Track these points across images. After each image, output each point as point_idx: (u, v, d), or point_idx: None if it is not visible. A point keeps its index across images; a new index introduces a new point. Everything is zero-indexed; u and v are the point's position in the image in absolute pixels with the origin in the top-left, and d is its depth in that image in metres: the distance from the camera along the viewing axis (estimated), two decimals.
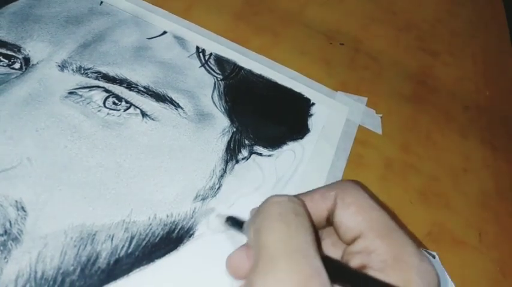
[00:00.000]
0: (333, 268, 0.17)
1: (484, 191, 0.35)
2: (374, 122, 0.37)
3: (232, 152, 0.31)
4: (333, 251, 0.21)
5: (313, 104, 0.36)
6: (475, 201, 0.34)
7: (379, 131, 0.36)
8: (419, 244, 0.30)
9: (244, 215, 0.27)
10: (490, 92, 0.44)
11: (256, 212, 0.19)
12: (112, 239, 0.24)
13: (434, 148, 0.37)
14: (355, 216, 0.19)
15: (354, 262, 0.19)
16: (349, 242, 0.20)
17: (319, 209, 0.21)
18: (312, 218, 0.20)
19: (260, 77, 0.37)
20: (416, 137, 0.37)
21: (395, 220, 0.19)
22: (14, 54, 0.32)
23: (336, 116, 0.36)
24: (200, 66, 0.36)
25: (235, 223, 0.24)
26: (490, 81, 0.45)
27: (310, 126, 0.35)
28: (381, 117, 0.37)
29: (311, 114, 0.35)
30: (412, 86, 0.42)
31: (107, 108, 0.30)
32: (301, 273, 0.16)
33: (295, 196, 0.20)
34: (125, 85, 0.32)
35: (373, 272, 0.17)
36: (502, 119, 0.41)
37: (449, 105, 0.41)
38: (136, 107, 0.31)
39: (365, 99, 0.39)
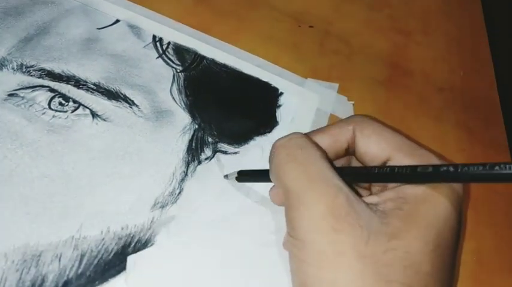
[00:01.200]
0: (351, 174, 0.21)
1: None
2: (346, 110, 0.35)
3: (194, 152, 0.28)
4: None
5: (281, 93, 0.34)
6: None
7: None
8: None
9: (206, 221, 0.26)
10: (464, 71, 0.43)
11: (269, 160, 0.22)
12: (60, 259, 0.22)
13: (409, 134, 0.35)
14: (378, 143, 0.21)
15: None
16: None
17: (338, 141, 0.22)
18: (326, 150, 0.22)
19: (224, 66, 0.34)
20: (389, 124, 0.35)
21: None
22: None
23: (306, 106, 0.34)
24: (157, 57, 0.33)
25: (248, 175, 0.26)
26: (464, 60, 0.44)
27: (278, 119, 0.32)
28: (353, 104, 0.36)
29: (279, 105, 0.33)
30: (385, 69, 0.40)
31: (53, 110, 0.27)
32: (325, 197, 0.18)
33: (308, 133, 0.22)
34: (72, 83, 0.29)
35: (409, 185, 0.19)
36: (476, 100, 0.40)
37: (423, 87, 0.40)
38: (86, 107, 0.28)
39: (336, 85, 0.37)
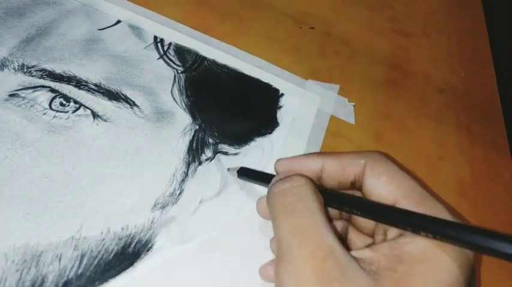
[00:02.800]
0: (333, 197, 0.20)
1: (460, 179, 0.33)
2: (346, 112, 0.35)
3: (194, 153, 0.28)
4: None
5: (282, 95, 0.34)
6: (451, 190, 0.33)
7: (352, 120, 0.35)
8: None
9: (206, 222, 0.26)
10: (465, 73, 0.43)
11: (266, 201, 0.21)
12: (60, 260, 0.22)
13: (409, 135, 0.35)
14: (387, 185, 0.20)
15: (392, 231, 0.19)
16: None
17: (346, 172, 0.21)
18: (332, 176, 0.21)
19: (224, 67, 0.34)
20: (390, 125, 0.36)
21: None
22: None
23: (307, 107, 0.34)
24: (158, 58, 0.33)
25: (249, 174, 0.26)
26: (465, 61, 0.44)
27: (279, 120, 0.32)
28: (354, 105, 0.36)
29: (280, 107, 0.33)
30: (386, 70, 0.40)
31: (53, 110, 0.27)
32: (315, 257, 0.17)
33: (318, 154, 0.22)
34: (73, 83, 0.29)
35: (409, 239, 0.18)
36: (477, 101, 0.40)
37: (423, 89, 0.40)
38: (87, 108, 0.28)
39: (337, 86, 0.37)
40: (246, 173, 0.26)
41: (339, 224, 0.24)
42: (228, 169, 0.28)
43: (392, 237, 0.19)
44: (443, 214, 0.18)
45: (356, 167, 0.21)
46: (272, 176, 0.23)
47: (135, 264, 0.23)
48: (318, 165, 0.22)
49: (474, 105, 0.40)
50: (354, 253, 0.18)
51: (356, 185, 0.21)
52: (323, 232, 0.18)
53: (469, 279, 0.17)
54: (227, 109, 0.32)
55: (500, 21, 0.50)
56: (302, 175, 0.21)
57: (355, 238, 0.23)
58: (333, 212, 0.24)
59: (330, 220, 0.20)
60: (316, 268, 0.17)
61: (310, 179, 0.21)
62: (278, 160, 0.24)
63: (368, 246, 0.19)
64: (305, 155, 0.24)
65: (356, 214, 0.20)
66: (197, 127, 0.30)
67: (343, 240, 0.23)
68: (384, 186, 0.20)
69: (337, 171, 0.21)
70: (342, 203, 0.21)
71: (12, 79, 0.28)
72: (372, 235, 0.21)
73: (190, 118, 0.30)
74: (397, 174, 0.20)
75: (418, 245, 0.17)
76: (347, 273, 0.16)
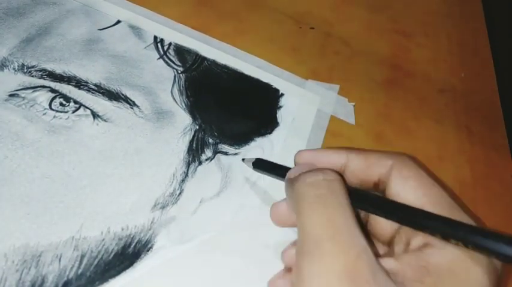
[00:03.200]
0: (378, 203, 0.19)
1: (460, 180, 0.33)
2: (346, 112, 0.35)
3: (194, 153, 0.28)
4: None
5: (282, 95, 0.34)
6: (451, 190, 0.33)
7: (352, 120, 0.35)
8: None
9: (206, 222, 0.26)
10: (465, 73, 0.43)
11: (292, 191, 0.19)
12: (60, 260, 0.22)
13: (409, 136, 0.35)
14: (414, 190, 0.19)
15: (416, 240, 0.18)
16: None
17: (370, 172, 0.20)
18: (356, 173, 0.21)
19: (225, 67, 0.34)
20: (390, 126, 0.36)
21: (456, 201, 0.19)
22: None
23: (307, 107, 0.34)
24: (158, 58, 0.33)
25: (265, 166, 0.26)
26: (465, 62, 0.44)
27: (279, 120, 0.32)
28: (354, 105, 0.36)
29: (280, 107, 0.33)
30: (386, 70, 0.40)
31: (53, 110, 0.27)
32: (347, 254, 0.16)
33: (344, 148, 0.21)
34: (73, 83, 0.29)
35: (436, 250, 0.17)
36: (477, 101, 0.40)
37: (423, 89, 0.40)
38: (87, 108, 0.28)
39: (337, 87, 0.37)
40: (261, 165, 0.26)
41: None
42: (243, 160, 0.28)
43: (416, 247, 0.18)
44: None
45: (382, 168, 0.20)
46: (288, 168, 0.23)
47: (135, 264, 0.23)
48: (342, 160, 0.21)
49: (474, 105, 0.40)
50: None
51: (380, 187, 0.21)
52: (355, 230, 0.17)
53: None
54: (227, 109, 0.32)
55: (500, 21, 0.50)
56: (334, 170, 0.20)
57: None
58: None
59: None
60: (348, 266, 0.15)
61: (342, 176, 0.20)
62: (299, 152, 0.23)
63: (388, 255, 0.18)
64: (330, 148, 0.23)
65: (379, 215, 0.19)
66: (197, 127, 0.30)
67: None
68: (411, 191, 0.19)
69: (361, 169, 0.21)
70: (366, 202, 0.20)
71: (12, 79, 0.28)
72: (388, 244, 0.20)
73: (190, 118, 0.30)
74: (426, 180, 0.19)
75: (447, 256, 0.16)
76: (378, 278, 0.15)
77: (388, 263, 0.17)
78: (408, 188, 0.19)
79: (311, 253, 0.16)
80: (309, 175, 0.19)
